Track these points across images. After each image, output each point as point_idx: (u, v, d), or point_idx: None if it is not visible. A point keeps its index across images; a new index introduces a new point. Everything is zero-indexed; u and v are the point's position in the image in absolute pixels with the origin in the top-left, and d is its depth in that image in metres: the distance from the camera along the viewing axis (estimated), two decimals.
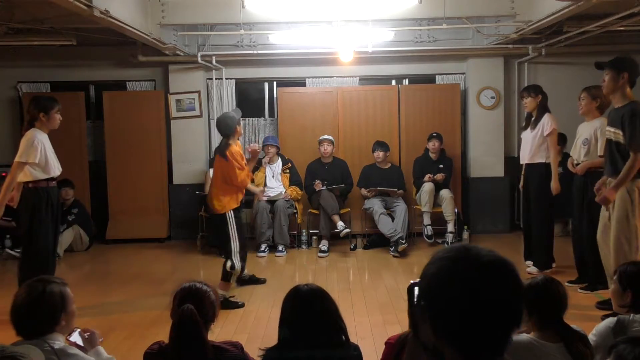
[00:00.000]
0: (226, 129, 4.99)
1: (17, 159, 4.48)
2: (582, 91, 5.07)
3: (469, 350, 1.16)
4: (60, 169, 4.77)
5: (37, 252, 4.55)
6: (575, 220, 5.13)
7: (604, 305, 4.38)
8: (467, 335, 1.16)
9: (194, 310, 2.21)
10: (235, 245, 4.89)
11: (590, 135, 4.91)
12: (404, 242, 6.58)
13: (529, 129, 5.61)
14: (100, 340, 2.58)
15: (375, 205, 6.89)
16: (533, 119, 5.58)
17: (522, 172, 5.79)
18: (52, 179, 4.67)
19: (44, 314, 2.29)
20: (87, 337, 2.52)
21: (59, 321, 2.32)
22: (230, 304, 4.81)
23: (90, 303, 4.87)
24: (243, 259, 5.07)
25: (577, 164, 5.00)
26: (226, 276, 4.88)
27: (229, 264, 4.85)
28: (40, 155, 4.49)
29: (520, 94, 5.80)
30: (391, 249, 6.63)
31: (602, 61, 4.26)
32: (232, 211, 4.93)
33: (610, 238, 4.20)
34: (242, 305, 4.85)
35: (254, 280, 5.54)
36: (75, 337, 2.55)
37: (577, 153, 5.03)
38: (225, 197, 4.93)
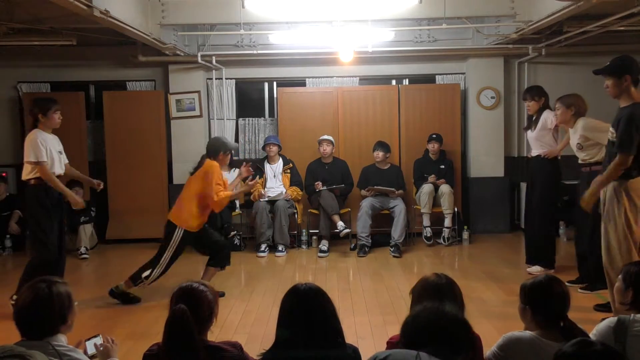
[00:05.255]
0: (211, 150, 5.07)
1: (29, 159, 4.51)
2: (556, 101, 5.11)
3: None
4: (63, 169, 4.79)
5: (42, 250, 4.57)
6: (579, 220, 5.11)
7: (602, 307, 4.37)
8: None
9: (185, 310, 2.18)
10: (164, 261, 4.81)
11: (580, 138, 4.92)
12: (367, 249, 6.68)
13: (530, 130, 5.65)
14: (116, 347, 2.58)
15: (366, 203, 6.87)
16: (534, 118, 5.61)
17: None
18: None
19: (53, 314, 2.31)
20: (101, 349, 2.49)
21: (66, 321, 2.36)
22: (127, 298, 4.82)
23: (90, 303, 4.86)
24: (157, 277, 4.86)
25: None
26: (136, 280, 4.80)
27: (146, 272, 4.79)
28: (48, 153, 4.56)
29: (522, 97, 5.82)
30: (391, 250, 6.63)
31: (599, 69, 4.15)
32: (184, 231, 4.82)
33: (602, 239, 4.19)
34: (139, 301, 4.84)
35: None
36: (89, 347, 2.53)
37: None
38: (186, 213, 4.86)
